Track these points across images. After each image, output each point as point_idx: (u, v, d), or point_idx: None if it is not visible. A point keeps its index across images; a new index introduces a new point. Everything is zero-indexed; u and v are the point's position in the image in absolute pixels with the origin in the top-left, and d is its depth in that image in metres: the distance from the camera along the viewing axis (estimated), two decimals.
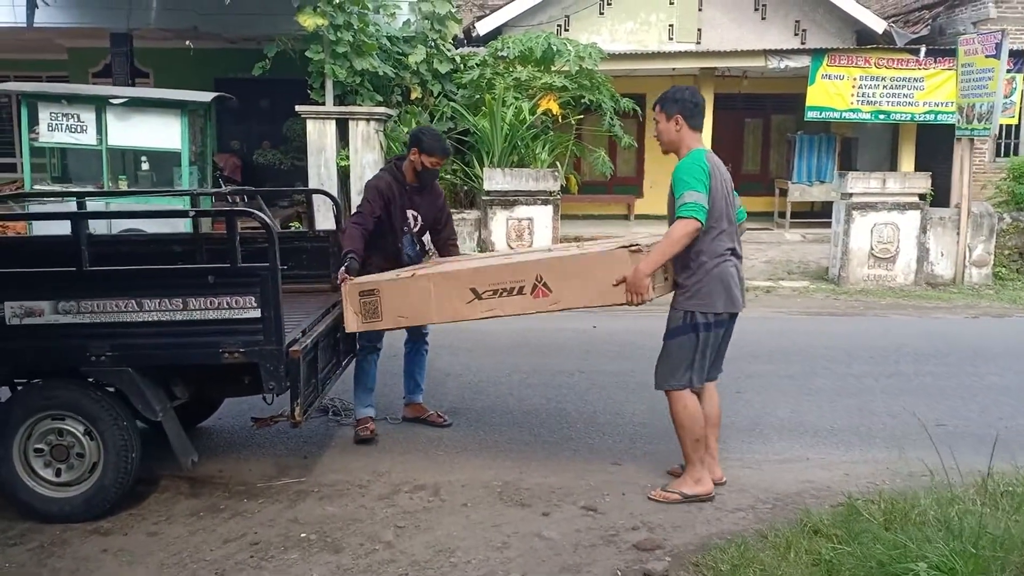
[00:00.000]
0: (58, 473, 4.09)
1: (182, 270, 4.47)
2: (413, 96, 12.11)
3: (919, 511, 3.81)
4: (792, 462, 4.84)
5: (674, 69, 14.18)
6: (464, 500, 4.30)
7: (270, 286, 3.90)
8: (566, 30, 14.03)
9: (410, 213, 5.09)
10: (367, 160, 11.40)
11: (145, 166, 10.66)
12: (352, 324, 4.70)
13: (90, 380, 4.08)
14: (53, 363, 4.08)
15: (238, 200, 6.28)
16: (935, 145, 13.76)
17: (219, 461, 4.83)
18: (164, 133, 10.32)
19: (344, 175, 11.53)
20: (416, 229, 5.13)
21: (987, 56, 10.41)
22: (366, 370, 5.19)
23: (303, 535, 3.92)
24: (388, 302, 4.54)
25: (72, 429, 4.06)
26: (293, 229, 11.41)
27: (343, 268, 4.73)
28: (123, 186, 10.38)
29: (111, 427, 4.03)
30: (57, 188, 10.28)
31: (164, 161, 10.65)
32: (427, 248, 5.27)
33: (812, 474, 4.64)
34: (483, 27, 13.71)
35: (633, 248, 3.98)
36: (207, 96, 10.87)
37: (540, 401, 5.92)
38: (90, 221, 4.30)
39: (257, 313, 3.90)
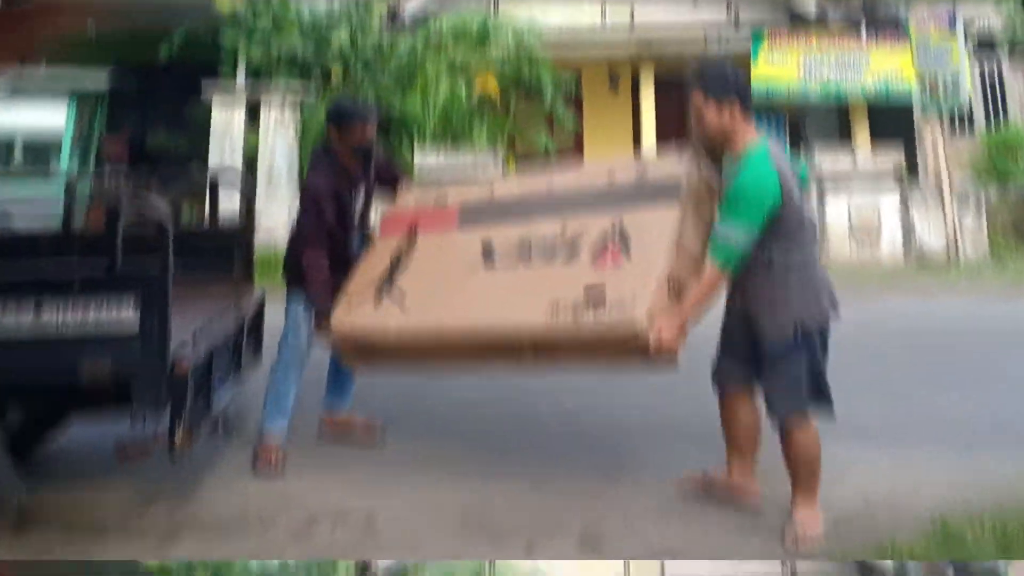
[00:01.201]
0: None
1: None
2: (335, 79, 11.17)
3: None
4: (845, 469, 3.94)
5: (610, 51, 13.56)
6: (405, 531, 3.41)
7: (156, 291, 3.02)
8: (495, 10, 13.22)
9: (357, 203, 4.19)
10: (279, 146, 10.43)
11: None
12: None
13: None
14: None
15: (123, 185, 5.32)
16: (885, 123, 13.37)
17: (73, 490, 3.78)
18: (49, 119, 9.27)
19: (250, 160, 10.53)
20: (359, 214, 4.24)
21: (941, 30, 10.01)
22: (285, 379, 4.11)
23: None
24: None
25: None
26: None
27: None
28: None
29: None
30: None
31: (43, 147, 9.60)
32: (370, 230, 4.35)
33: (875, 485, 3.85)
34: (409, 8, 12.83)
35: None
36: (101, 80, 9.81)
37: (497, 397, 4.95)
38: None
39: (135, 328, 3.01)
